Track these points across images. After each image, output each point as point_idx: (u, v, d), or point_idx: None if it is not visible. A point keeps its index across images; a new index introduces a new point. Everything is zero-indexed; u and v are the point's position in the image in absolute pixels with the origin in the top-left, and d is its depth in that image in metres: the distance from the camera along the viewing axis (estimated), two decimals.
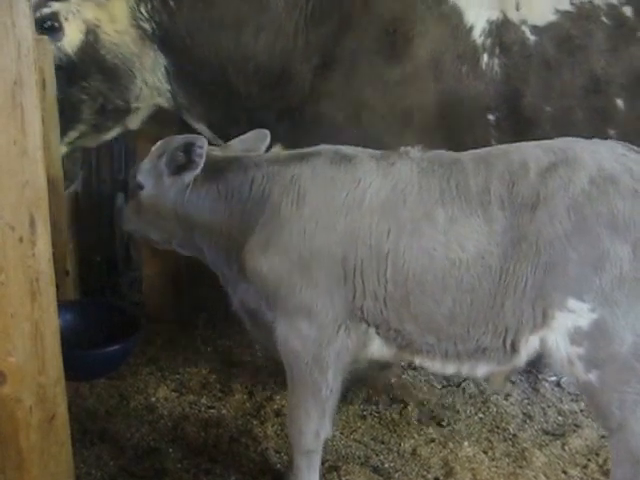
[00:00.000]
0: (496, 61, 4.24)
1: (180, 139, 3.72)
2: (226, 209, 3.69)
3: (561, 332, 3.32)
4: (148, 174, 3.82)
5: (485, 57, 4.25)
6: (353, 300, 3.45)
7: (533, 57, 4.25)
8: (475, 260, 3.31)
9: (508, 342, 3.41)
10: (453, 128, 4.28)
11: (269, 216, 3.53)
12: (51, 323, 3.21)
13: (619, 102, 4.21)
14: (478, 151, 3.60)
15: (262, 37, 4.39)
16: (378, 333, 3.53)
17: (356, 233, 3.40)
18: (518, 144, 3.64)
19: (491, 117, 4.27)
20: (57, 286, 3.38)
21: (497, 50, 4.26)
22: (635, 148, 3.51)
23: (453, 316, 3.38)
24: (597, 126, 4.22)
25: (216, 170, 3.73)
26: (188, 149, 3.67)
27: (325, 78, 4.37)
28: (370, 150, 3.64)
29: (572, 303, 3.27)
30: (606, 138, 3.97)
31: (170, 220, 3.81)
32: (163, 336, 5.52)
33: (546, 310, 3.32)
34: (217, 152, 3.87)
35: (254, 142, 3.98)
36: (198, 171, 3.68)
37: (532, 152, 3.43)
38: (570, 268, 3.25)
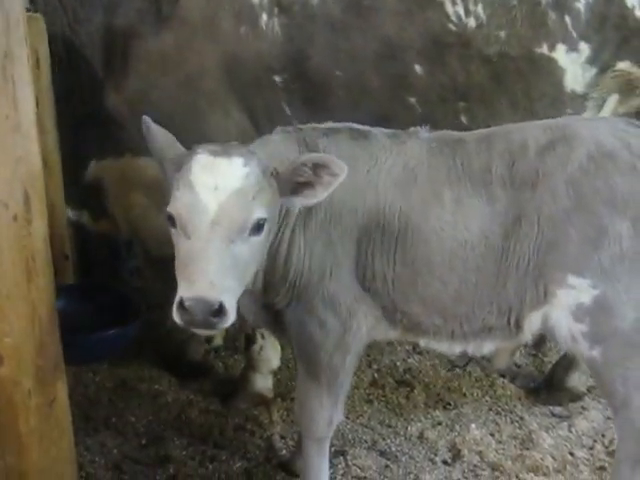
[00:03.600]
0: (276, 21, 4.06)
1: (317, 156, 3.17)
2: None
3: (563, 309, 3.30)
4: (269, 204, 3.06)
5: (264, 17, 4.07)
6: (363, 281, 3.40)
7: (317, 18, 4.06)
8: (479, 240, 3.29)
9: (512, 320, 3.39)
10: (242, 91, 4.13)
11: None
12: (49, 304, 3.18)
13: (417, 68, 4.05)
14: (481, 131, 3.57)
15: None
16: (384, 315, 3.48)
17: (372, 214, 3.35)
18: (520, 123, 3.62)
19: (278, 79, 4.11)
20: (56, 270, 3.35)
21: (276, 10, 4.07)
22: (637, 123, 3.48)
23: (459, 296, 3.36)
24: (396, 93, 4.08)
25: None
26: (319, 170, 3.10)
27: (108, 68, 4.25)
28: (380, 128, 3.57)
29: (572, 280, 3.25)
30: (406, 106, 3.96)
31: (277, 251, 3.33)
32: (166, 323, 5.46)
33: (547, 287, 3.30)
34: None
35: None
36: (315, 202, 3.18)
37: (531, 131, 3.41)
38: (570, 245, 3.24)
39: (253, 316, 3.72)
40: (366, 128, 3.53)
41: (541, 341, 4.97)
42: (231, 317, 2.88)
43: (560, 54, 4.02)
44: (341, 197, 3.32)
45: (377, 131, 3.52)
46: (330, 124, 3.56)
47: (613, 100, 4.18)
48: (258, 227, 2.99)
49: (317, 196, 3.11)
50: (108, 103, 4.27)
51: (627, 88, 4.15)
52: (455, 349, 3.57)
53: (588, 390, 4.76)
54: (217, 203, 2.92)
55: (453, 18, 3.98)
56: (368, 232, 3.35)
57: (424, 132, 3.51)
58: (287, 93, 4.13)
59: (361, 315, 3.42)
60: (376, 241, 3.35)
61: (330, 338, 3.42)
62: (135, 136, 4.00)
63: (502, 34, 3.99)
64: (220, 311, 2.83)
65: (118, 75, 4.22)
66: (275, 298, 3.45)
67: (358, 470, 4.12)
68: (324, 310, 3.39)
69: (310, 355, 3.50)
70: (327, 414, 3.57)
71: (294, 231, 3.32)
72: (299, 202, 3.16)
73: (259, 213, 2.97)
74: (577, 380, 4.71)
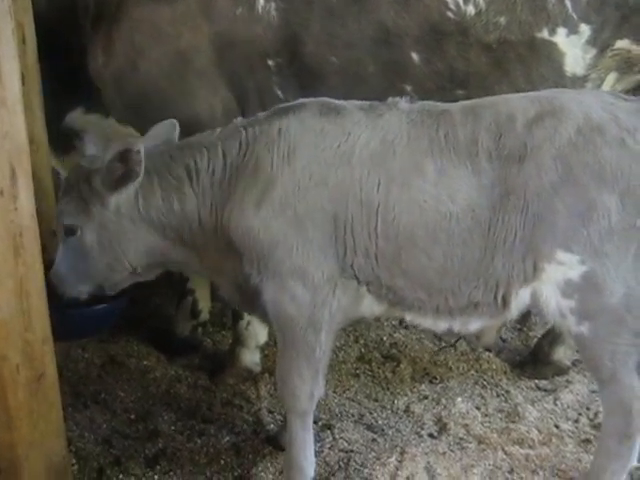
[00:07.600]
0: (273, 5, 4.06)
1: (115, 148, 3.45)
2: (195, 192, 3.52)
3: (552, 285, 3.30)
4: (76, 212, 3.55)
5: (261, 0, 4.07)
6: (344, 257, 3.40)
7: (314, 3, 4.07)
8: (465, 213, 3.27)
9: (499, 296, 3.38)
10: (233, 73, 4.14)
11: (257, 174, 3.42)
12: (37, 280, 3.19)
13: (414, 56, 4.05)
14: (466, 102, 3.55)
15: None
16: (369, 290, 3.49)
17: (346, 188, 3.34)
18: (506, 95, 3.61)
19: (271, 63, 4.12)
20: (44, 247, 3.35)
21: None
22: (624, 96, 3.47)
23: (444, 271, 3.35)
24: (391, 81, 4.09)
25: (160, 163, 3.56)
26: (125, 157, 3.42)
27: (98, 29, 4.24)
28: (356, 101, 3.57)
29: (561, 255, 3.25)
30: (402, 94, 3.88)
31: (139, 239, 3.59)
32: (155, 300, 5.51)
33: (536, 263, 3.29)
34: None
35: (165, 134, 3.73)
36: (140, 179, 3.45)
37: (519, 103, 3.39)
38: (558, 220, 3.23)
39: (233, 297, 3.80)
40: (340, 103, 3.53)
41: (526, 315, 5.00)
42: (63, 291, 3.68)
43: (561, 37, 4.00)
44: (305, 172, 3.35)
45: (351, 106, 3.51)
46: (301, 100, 3.58)
47: (611, 79, 4.17)
48: (68, 230, 3.56)
49: (139, 174, 3.44)
50: (90, 66, 4.28)
51: (626, 66, 4.14)
52: (440, 325, 3.57)
53: (573, 364, 4.78)
54: None
55: (452, 6, 3.97)
56: (344, 206, 3.35)
57: (404, 103, 3.50)
58: (280, 77, 4.13)
59: (330, 292, 3.44)
60: (355, 215, 3.35)
61: (302, 313, 3.45)
62: (116, 102, 4.07)
63: (502, 20, 3.98)
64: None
65: (105, 39, 4.20)
66: (245, 266, 3.48)
67: (345, 443, 4.14)
68: (294, 284, 3.42)
69: (286, 331, 3.54)
70: (308, 388, 3.59)
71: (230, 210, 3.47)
72: (131, 187, 3.49)
73: (66, 220, 3.56)
74: (562, 354, 4.73)
